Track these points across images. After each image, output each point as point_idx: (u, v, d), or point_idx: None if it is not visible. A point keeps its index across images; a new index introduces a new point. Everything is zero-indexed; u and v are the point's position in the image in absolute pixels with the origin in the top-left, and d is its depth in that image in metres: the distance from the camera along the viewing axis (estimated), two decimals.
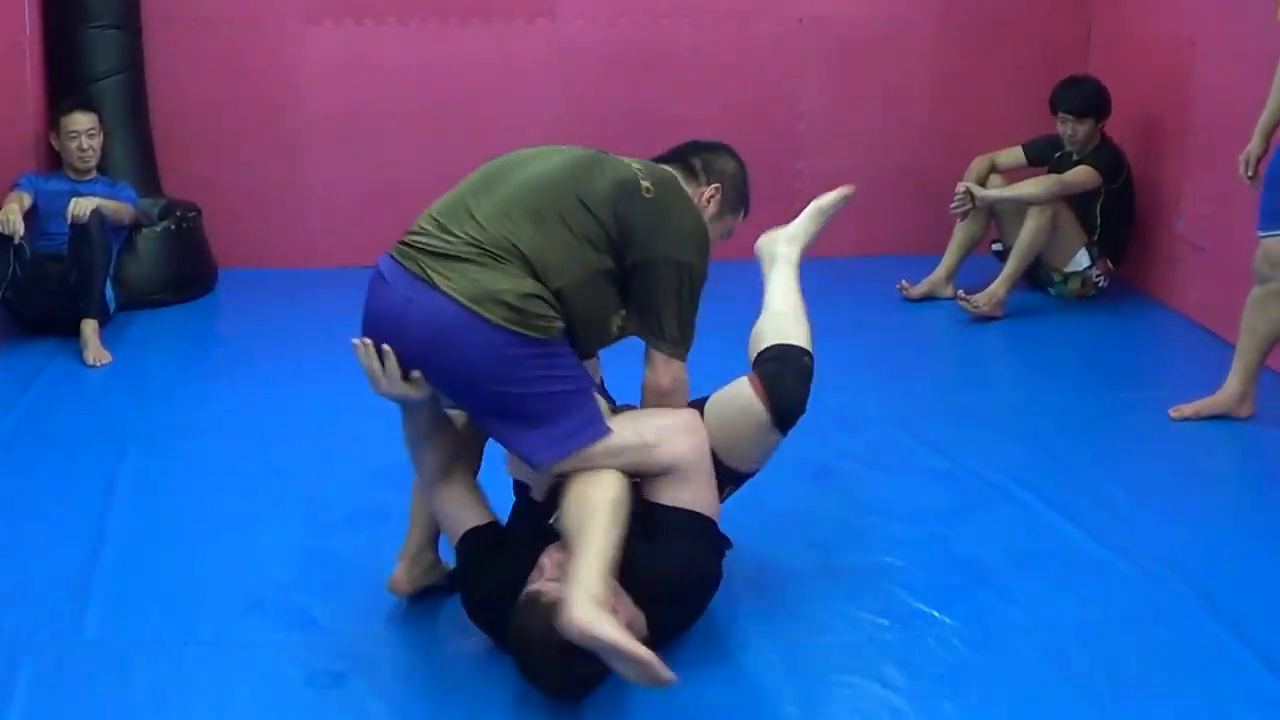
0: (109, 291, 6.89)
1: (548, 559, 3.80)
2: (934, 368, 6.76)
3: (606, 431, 3.88)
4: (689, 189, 4.20)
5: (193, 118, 7.98)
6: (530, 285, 3.79)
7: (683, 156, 4.35)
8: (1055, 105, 7.49)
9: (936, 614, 4.24)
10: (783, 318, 4.37)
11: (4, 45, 7.35)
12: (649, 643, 3.57)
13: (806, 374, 4.14)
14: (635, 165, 4.11)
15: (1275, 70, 5.65)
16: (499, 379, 3.78)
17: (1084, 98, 7.43)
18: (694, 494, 3.94)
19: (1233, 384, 5.80)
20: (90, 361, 6.53)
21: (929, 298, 7.59)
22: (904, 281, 7.63)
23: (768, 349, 4.23)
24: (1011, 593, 4.39)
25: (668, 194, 4.04)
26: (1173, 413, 5.86)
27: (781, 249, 4.66)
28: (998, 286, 7.37)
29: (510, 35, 8.11)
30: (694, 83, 8.26)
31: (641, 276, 3.93)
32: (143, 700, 3.80)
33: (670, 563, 3.84)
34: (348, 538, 4.68)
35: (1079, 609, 4.30)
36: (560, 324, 3.82)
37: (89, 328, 6.63)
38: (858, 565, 4.53)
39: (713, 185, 4.27)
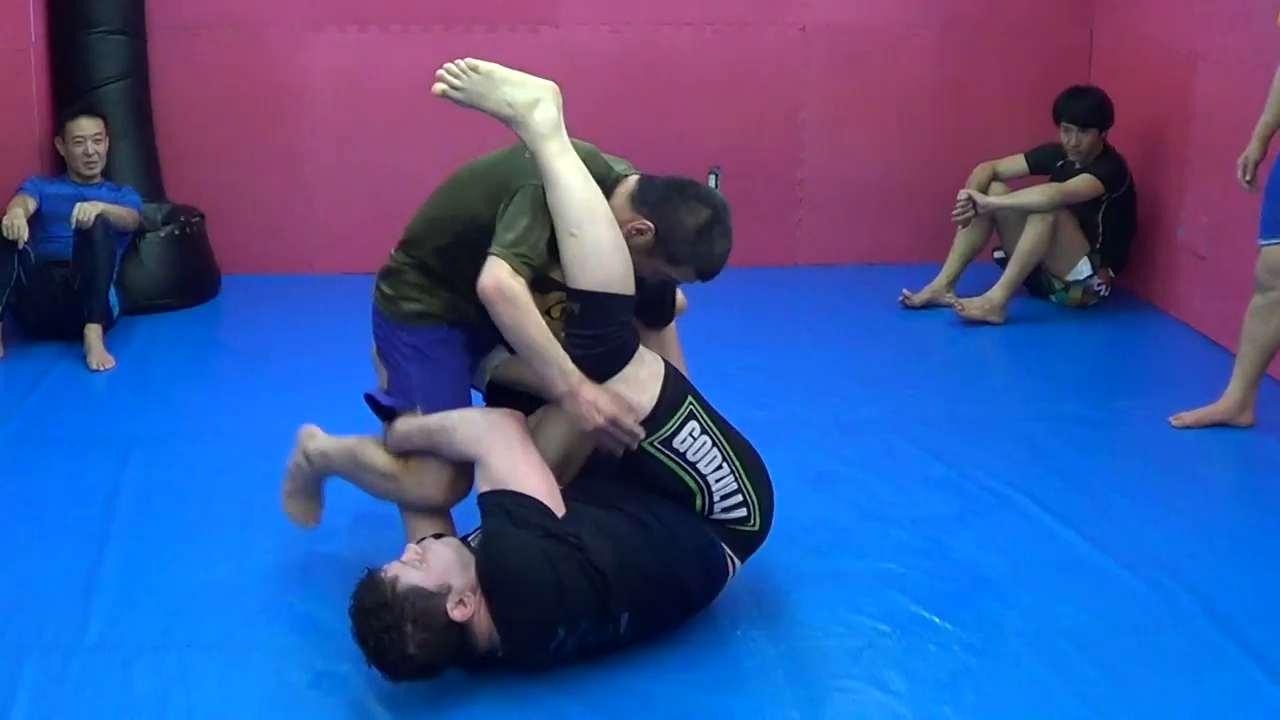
0: (113, 296, 6.91)
1: (409, 548, 3.92)
2: (935, 375, 6.76)
3: (410, 405, 4.27)
4: (623, 207, 4.07)
5: (197, 123, 8.00)
6: (394, 260, 4.37)
7: (643, 183, 4.18)
8: (1058, 115, 7.50)
9: (937, 620, 4.25)
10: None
11: (9, 50, 7.38)
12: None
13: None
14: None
15: (1274, 76, 5.67)
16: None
17: (1087, 108, 7.44)
18: (491, 474, 3.99)
19: (1233, 392, 5.81)
20: (94, 366, 6.54)
21: (931, 305, 7.60)
22: (906, 291, 7.64)
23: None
24: (1011, 599, 4.40)
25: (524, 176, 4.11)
26: (1174, 420, 5.87)
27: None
28: (995, 292, 7.39)
29: (514, 43, 8.12)
30: (697, 91, 8.28)
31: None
32: (146, 703, 3.81)
33: (480, 551, 3.90)
34: (351, 542, 4.70)
35: (1079, 615, 4.31)
36: (409, 307, 4.29)
37: (93, 332, 6.65)
38: (858, 571, 4.54)
39: (646, 222, 4.05)
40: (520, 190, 4.04)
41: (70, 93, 7.55)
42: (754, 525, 4.14)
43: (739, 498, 4.09)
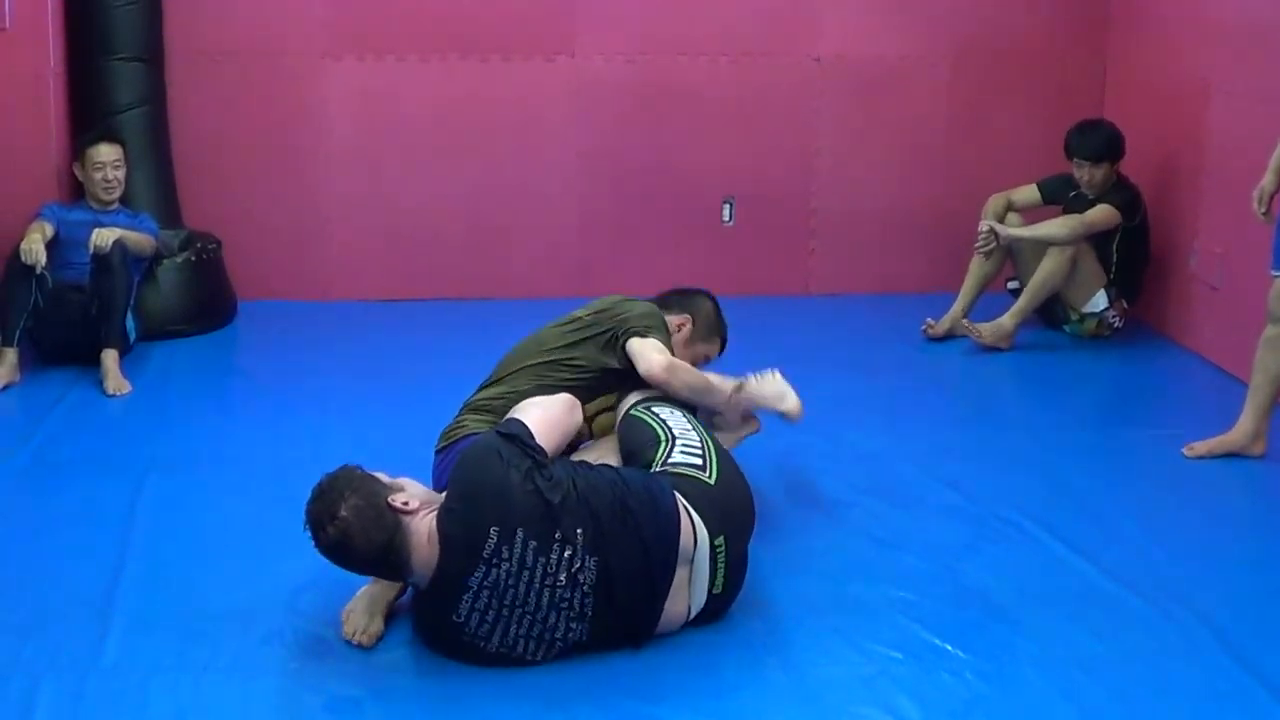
0: (129, 322, 6.93)
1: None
2: (948, 404, 6.77)
3: None
4: (669, 318, 5.22)
5: (214, 151, 8.05)
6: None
7: (661, 297, 5.40)
8: (1070, 151, 7.51)
9: (949, 647, 4.25)
10: None
11: (28, 77, 7.42)
12: None
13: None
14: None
15: None
16: None
17: (1097, 144, 7.45)
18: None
19: (1246, 422, 5.82)
20: (110, 391, 6.57)
21: (949, 335, 7.61)
22: (930, 320, 7.64)
23: None
24: (1024, 627, 4.40)
25: (622, 303, 5.18)
26: (1186, 450, 5.88)
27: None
28: (1007, 320, 7.44)
29: (529, 73, 8.16)
30: (711, 121, 8.31)
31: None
32: None
33: None
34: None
35: (1091, 644, 4.30)
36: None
37: (109, 357, 6.67)
38: (871, 598, 4.55)
39: (682, 315, 5.31)
40: (628, 303, 5.19)
41: (89, 119, 7.59)
42: (710, 478, 4.33)
43: (698, 453, 4.43)
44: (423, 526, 3.96)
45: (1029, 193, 7.81)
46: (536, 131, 8.26)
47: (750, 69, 8.31)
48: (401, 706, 3.92)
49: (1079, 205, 7.52)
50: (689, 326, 5.29)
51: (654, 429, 4.57)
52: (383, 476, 4.06)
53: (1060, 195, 7.70)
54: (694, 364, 5.11)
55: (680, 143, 8.32)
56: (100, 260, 6.71)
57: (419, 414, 6.08)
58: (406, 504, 3.96)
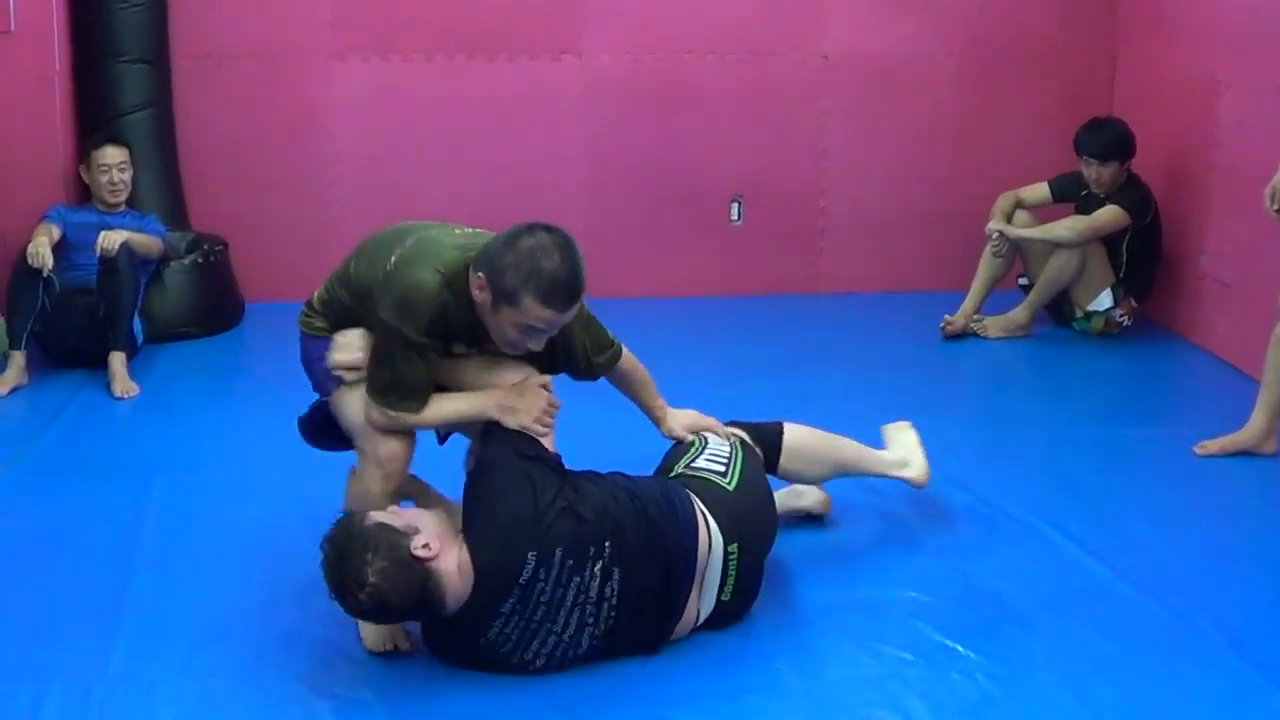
0: (137, 324, 6.92)
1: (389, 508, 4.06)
2: (958, 403, 6.75)
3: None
4: (472, 279, 4.03)
5: (220, 152, 8.03)
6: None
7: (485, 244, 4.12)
8: (1079, 149, 7.49)
9: (961, 649, 4.23)
10: None
11: (34, 79, 7.41)
12: None
13: None
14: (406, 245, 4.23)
15: None
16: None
17: (1107, 142, 7.43)
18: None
19: (1257, 421, 5.80)
20: (118, 394, 6.56)
21: (966, 333, 7.60)
22: (947, 316, 7.61)
23: None
24: (1036, 628, 4.39)
25: (409, 252, 4.15)
26: (1198, 449, 5.86)
27: None
28: (1018, 313, 7.53)
29: (536, 72, 8.15)
30: (719, 119, 8.29)
31: None
32: None
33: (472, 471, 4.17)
34: None
35: (1103, 644, 4.28)
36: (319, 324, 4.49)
37: (117, 360, 6.66)
38: (882, 600, 4.53)
39: (478, 275, 4.00)
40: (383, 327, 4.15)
41: (95, 121, 7.59)
42: (729, 483, 4.30)
43: (724, 460, 4.38)
44: (450, 564, 3.84)
45: (1039, 191, 7.78)
46: (543, 131, 8.24)
47: (758, 67, 8.29)
48: (410, 711, 3.91)
49: (1090, 204, 7.50)
50: (487, 291, 3.97)
51: (693, 441, 4.52)
52: (392, 517, 3.90)
53: (1071, 193, 7.68)
54: (502, 336, 4.06)
55: (688, 141, 8.30)
56: (107, 263, 6.70)
57: None
58: (429, 547, 3.80)
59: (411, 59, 8.09)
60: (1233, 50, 7.11)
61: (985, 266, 7.64)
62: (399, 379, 4.10)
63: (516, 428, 4.06)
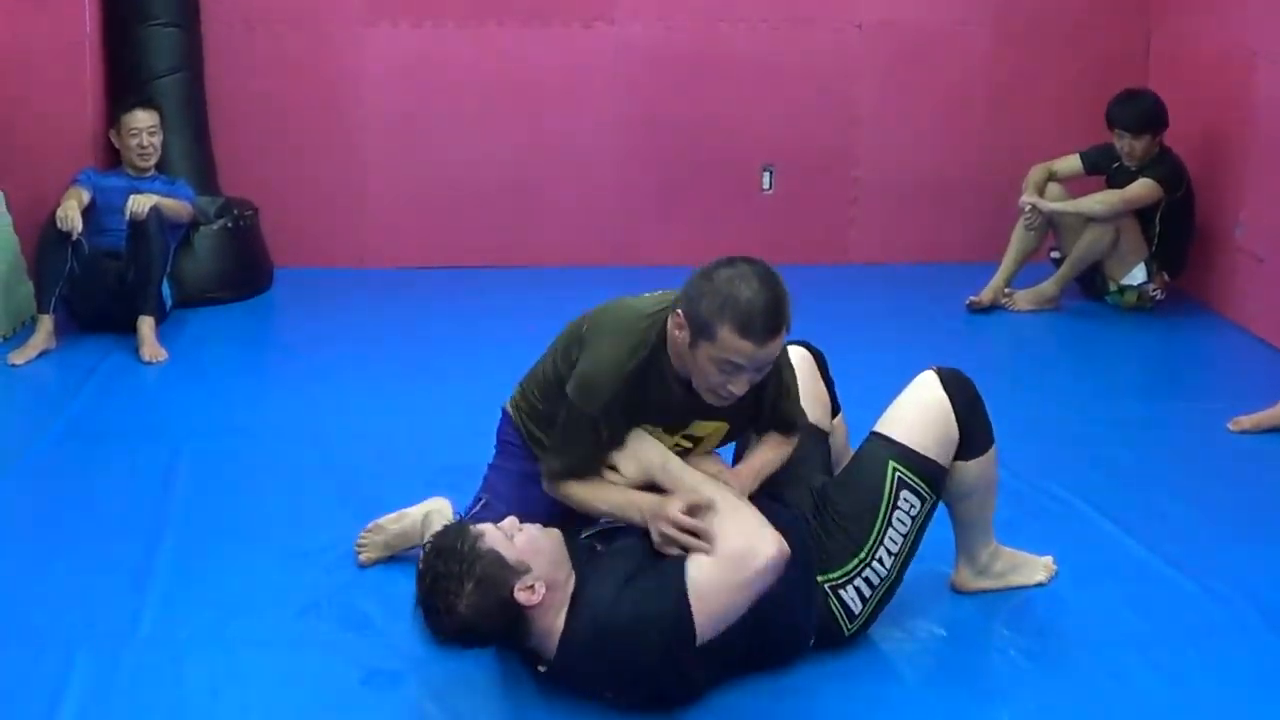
0: (166, 289, 6.91)
1: (510, 519, 3.78)
2: (989, 376, 6.60)
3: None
4: (671, 319, 3.82)
5: (251, 117, 8.01)
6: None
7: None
8: (1111, 121, 7.44)
9: (994, 625, 4.22)
10: None
11: (64, 43, 7.40)
12: None
13: None
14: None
15: None
16: None
17: (1139, 114, 7.37)
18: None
19: None
20: (146, 358, 6.55)
21: (994, 307, 7.56)
22: (972, 297, 7.58)
23: None
24: (1069, 605, 4.36)
25: (592, 333, 3.98)
26: (1231, 425, 5.82)
27: None
28: (1048, 286, 7.54)
29: (568, 39, 8.11)
30: (752, 87, 8.25)
31: None
32: (197, 697, 3.81)
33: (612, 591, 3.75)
34: None
35: (1137, 623, 4.26)
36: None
37: (145, 325, 6.65)
38: (916, 575, 4.46)
39: (676, 313, 3.79)
40: (567, 405, 3.96)
41: (125, 85, 7.57)
42: (847, 629, 4.02)
43: (869, 593, 4.01)
44: (548, 618, 3.66)
45: (1071, 163, 7.73)
46: (575, 98, 8.20)
47: (791, 35, 8.24)
48: (439, 682, 3.90)
49: (1122, 176, 7.45)
50: (686, 329, 3.75)
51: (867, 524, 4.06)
52: (507, 547, 3.65)
53: (1103, 165, 7.63)
54: (704, 379, 3.79)
55: (720, 110, 8.26)
56: (136, 227, 6.69)
57: (456, 381, 6.10)
58: (533, 591, 3.60)
59: (444, 25, 8.06)
60: (1270, 21, 7.04)
61: (1017, 240, 7.60)
62: (570, 451, 3.94)
63: (657, 541, 3.78)
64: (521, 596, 3.60)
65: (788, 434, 4.13)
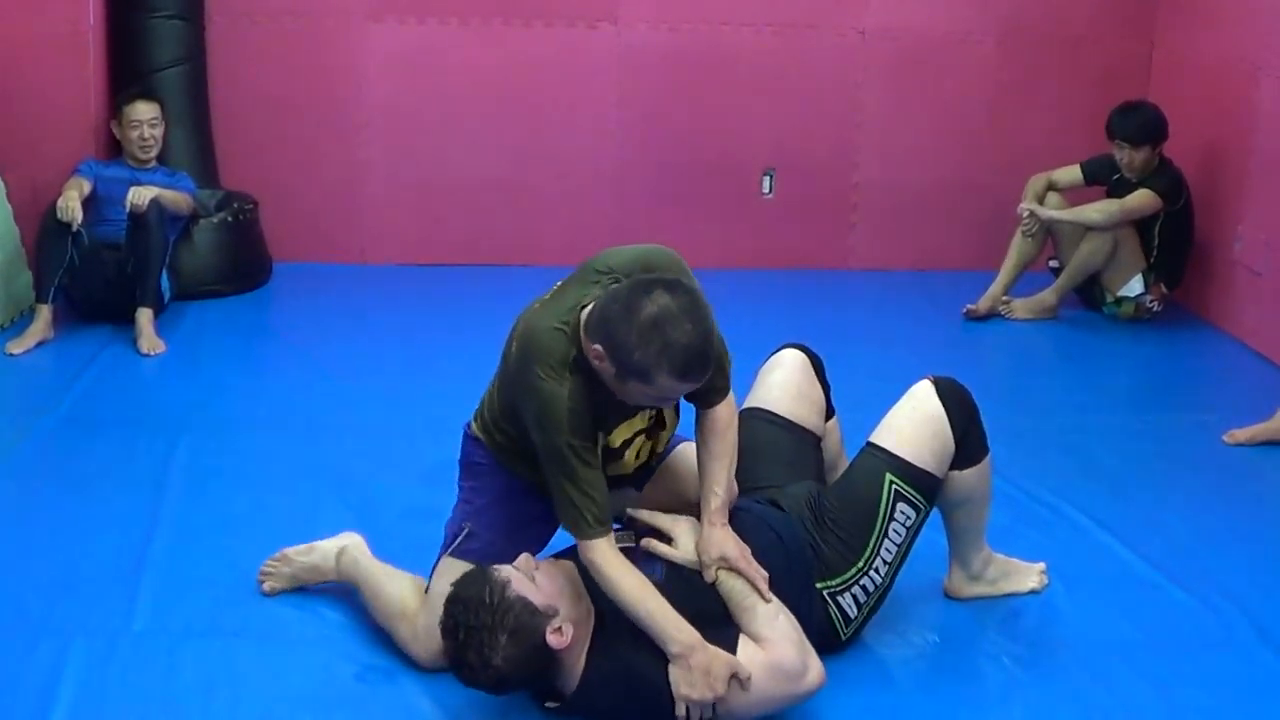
0: (165, 281, 6.92)
1: (523, 556, 3.68)
2: (986, 385, 6.64)
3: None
4: (588, 348, 3.58)
5: (253, 110, 8.01)
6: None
7: (599, 300, 3.65)
8: (1111, 132, 7.43)
9: (987, 631, 4.23)
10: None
11: (67, 33, 7.39)
12: None
13: None
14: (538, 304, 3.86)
15: None
16: None
17: (1139, 126, 7.37)
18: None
19: None
20: (144, 350, 6.55)
21: (992, 315, 7.57)
22: (969, 306, 7.59)
23: None
24: (1061, 612, 4.37)
25: (519, 366, 3.72)
26: (1227, 438, 5.83)
27: None
28: (1047, 295, 7.54)
29: (572, 39, 8.11)
30: (754, 91, 8.25)
31: None
32: (191, 690, 3.82)
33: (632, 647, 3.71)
34: (399, 535, 4.62)
35: (1128, 630, 4.28)
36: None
37: (144, 316, 6.65)
38: (909, 580, 4.46)
39: (595, 345, 3.54)
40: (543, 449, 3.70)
41: (127, 77, 7.57)
42: (844, 634, 4.02)
43: (865, 598, 4.00)
44: (574, 657, 3.63)
45: (1071, 173, 7.73)
46: (577, 99, 8.21)
47: (794, 40, 8.24)
48: (432, 678, 3.90)
49: (1121, 187, 7.45)
50: (606, 361, 3.53)
51: (866, 534, 4.02)
52: (533, 592, 3.57)
53: (1103, 176, 7.63)
54: (634, 400, 3.67)
55: (721, 113, 8.26)
56: (136, 218, 6.69)
57: (453, 377, 6.07)
58: (561, 633, 3.55)
59: (447, 22, 8.06)
60: (1273, 35, 7.05)
61: (1016, 248, 7.60)
62: (584, 495, 3.65)
63: (684, 690, 3.58)
64: (553, 640, 3.55)
65: (723, 400, 3.91)
